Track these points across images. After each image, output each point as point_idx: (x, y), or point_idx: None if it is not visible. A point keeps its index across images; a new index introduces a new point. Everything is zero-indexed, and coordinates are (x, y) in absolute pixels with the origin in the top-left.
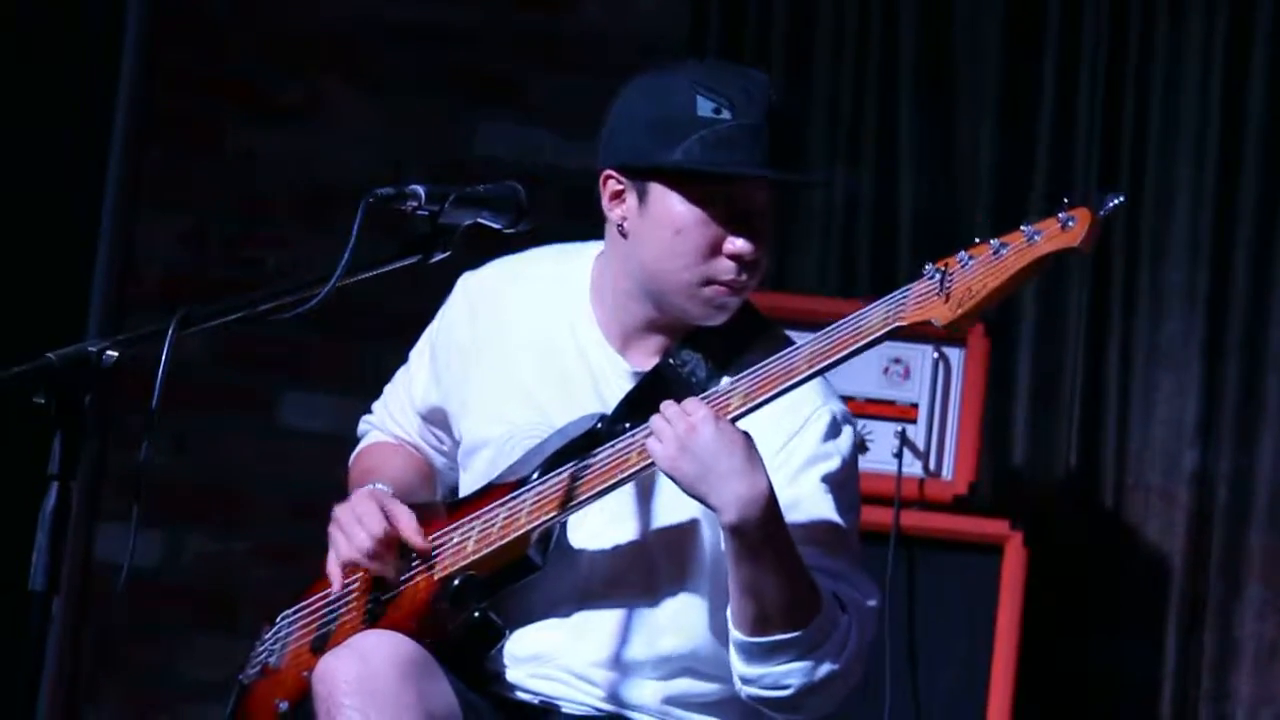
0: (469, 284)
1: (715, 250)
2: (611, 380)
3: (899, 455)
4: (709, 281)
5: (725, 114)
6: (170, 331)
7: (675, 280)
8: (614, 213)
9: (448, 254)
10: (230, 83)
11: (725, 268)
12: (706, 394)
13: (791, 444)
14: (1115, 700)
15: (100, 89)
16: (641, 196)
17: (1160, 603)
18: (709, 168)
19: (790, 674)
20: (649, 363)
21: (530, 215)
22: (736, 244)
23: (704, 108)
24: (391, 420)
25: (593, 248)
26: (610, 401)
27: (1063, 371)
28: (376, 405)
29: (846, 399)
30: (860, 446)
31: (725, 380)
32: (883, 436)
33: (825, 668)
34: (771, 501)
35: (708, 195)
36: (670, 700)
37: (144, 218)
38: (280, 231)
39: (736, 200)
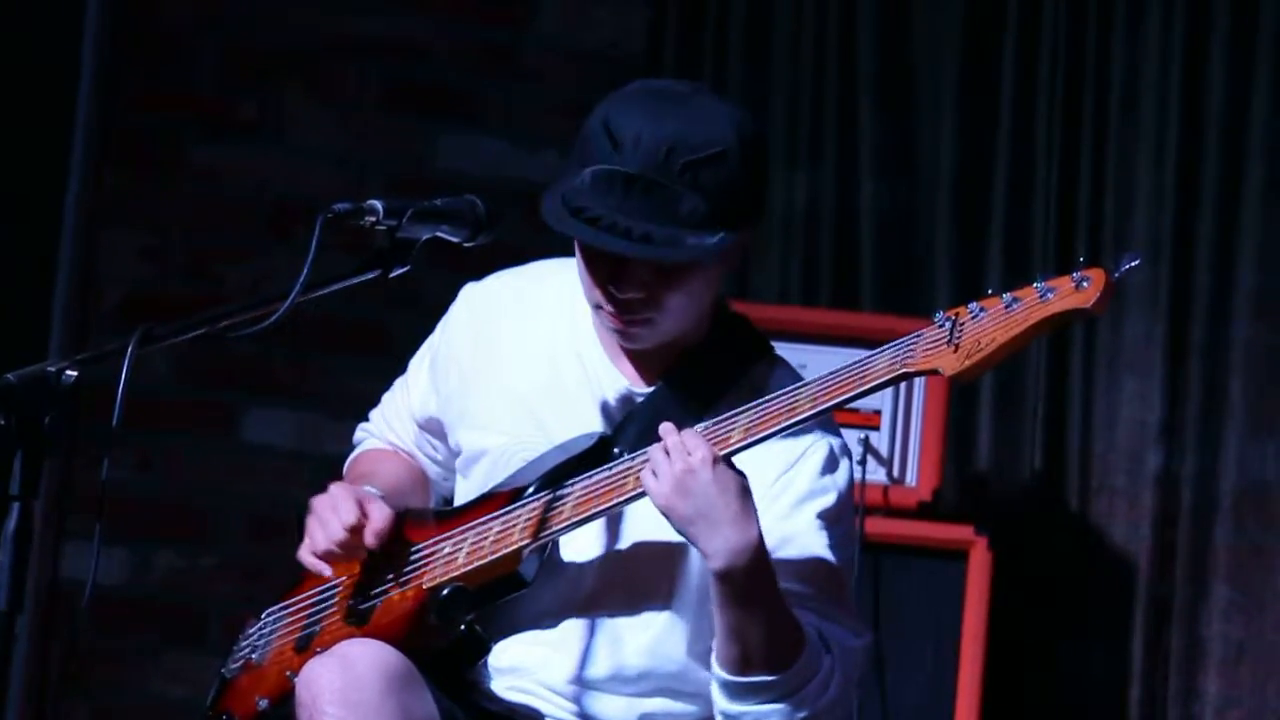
0: (471, 294)
1: (600, 282)
2: (612, 396)
3: (863, 462)
4: (599, 307)
5: (609, 156)
6: (130, 349)
7: (584, 297)
8: None
9: (407, 268)
10: (190, 98)
11: (605, 298)
12: (708, 424)
13: (788, 476)
14: (1083, 703)
15: (59, 105)
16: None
17: (1126, 605)
18: (548, 218)
19: (770, 714)
20: (648, 380)
21: (490, 228)
22: (610, 287)
23: (599, 147)
24: (388, 428)
25: None
26: (610, 417)
27: (1025, 375)
28: (374, 413)
29: None
30: None
31: (723, 407)
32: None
33: (805, 710)
34: (760, 550)
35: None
36: (645, 718)
37: (104, 235)
38: (241, 247)
39: (605, 253)
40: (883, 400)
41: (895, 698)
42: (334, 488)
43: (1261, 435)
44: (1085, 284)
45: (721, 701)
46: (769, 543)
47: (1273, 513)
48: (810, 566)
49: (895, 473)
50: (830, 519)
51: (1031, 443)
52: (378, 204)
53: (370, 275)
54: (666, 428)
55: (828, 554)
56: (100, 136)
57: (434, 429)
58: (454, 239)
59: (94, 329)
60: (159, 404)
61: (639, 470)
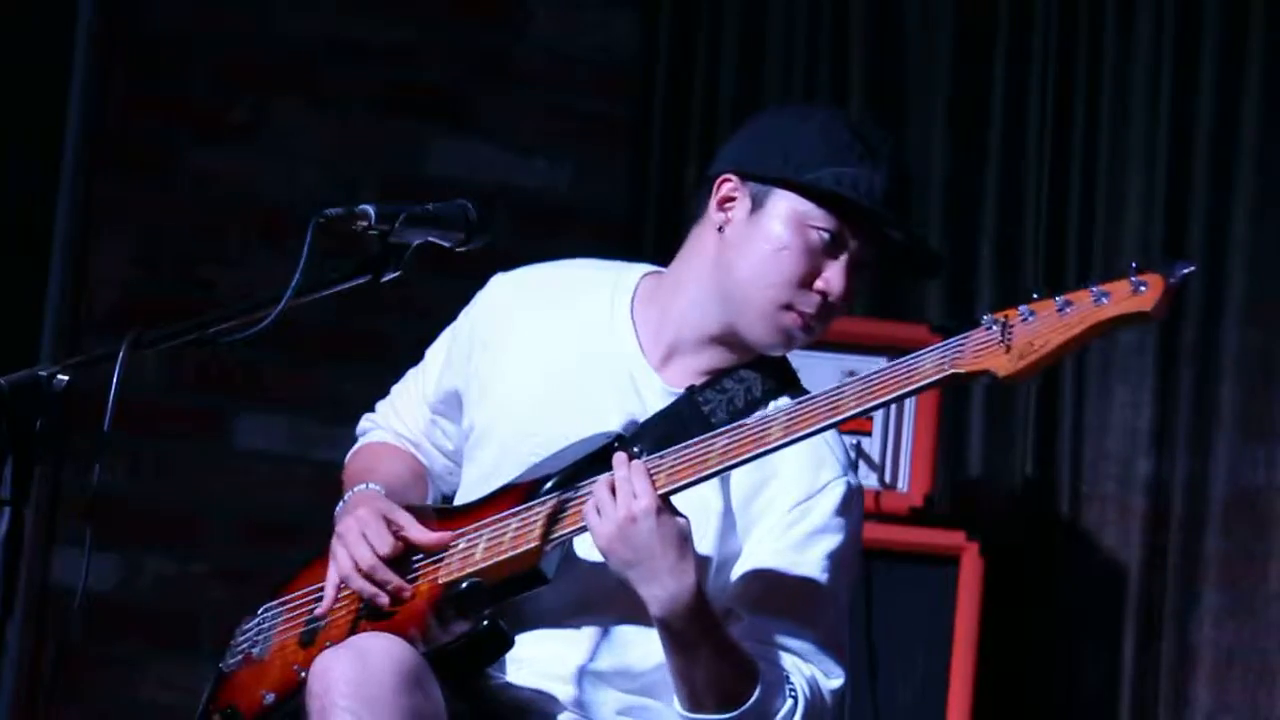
0: (501, 281)
1: (808, 280)
2: (639, 394)
3: (854, 467)
4: (789, 307)
5: (865, 159)
6: (121, 354)
7: (759, 295)
8: (719, 215)
9: (398, 273)
10: (181, 103)
11: (810, 300)
12: (686, 448)
13: (805, 505)
14: (1074, 709)
15: (51, 108)
16: (756, 204)
17: (1117, 611)
18: (848, 194)
19: None
20: (684, 382)
21: (482, 233)
22: (829, 281)
23: (851, 146)
24: (396, 417)
25: (639, 267)
26: (634, 413)
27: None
28: (381, 404)
29: None
30: None
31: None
32: None
33: None
34: (698, 596)
35: (823, 225)
36: (640, 710)
37: (96, 240)
38: (233, 252)
39: (845, 242)
40: None
41: (887, 703)
42: (354, 500)
43: (1252, 441)
44: (1143, 289)
45: None
46: (774, 567)
47: (1263, 519)
48: (799, 602)
49: (887, 478)
50: (835, 559)
51: (1023, 449)
52: (370, 209)
53: (362, 280)
54: (619, 459)
55: (825, 592)
56: (92, 141)
57: (449, 408)
58: (446, 244)
59: (86, 333)
60: (150, 409)
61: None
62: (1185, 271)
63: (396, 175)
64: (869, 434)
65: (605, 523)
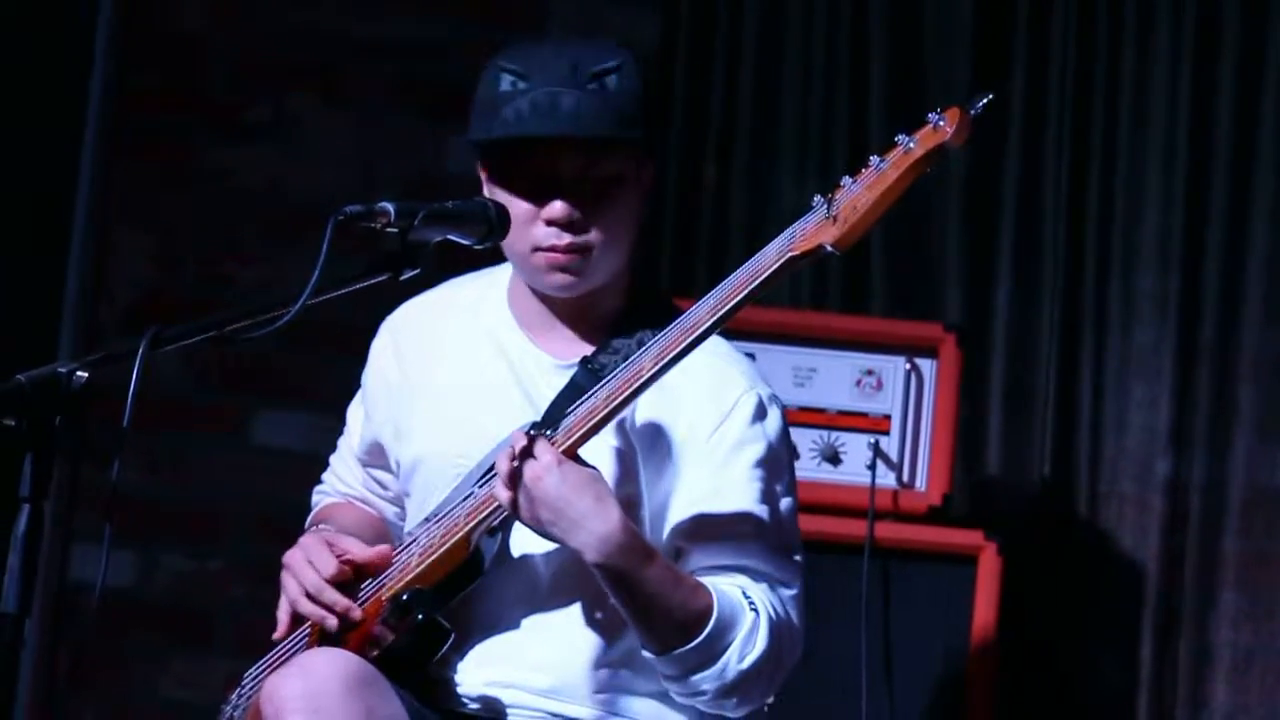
0: (391, 322)
1: (534, 218)
2: (538, 377)
3: (872, 467)
4: (535, 249)
5: (520, 85)
6: (140, 351)
7: (515, 254)
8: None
9: (418, 271)
10: (200, 100)
11: (545, 233)
12: (575, 409)
13: (721, 428)
14: (1091, 709)
15: (71, 105)
16: (483, 181)
17: (1135, 611)
18: (481, 136)
19: (701, 680)
20: (573, 351)
21: (502, 231)
22: (549, 209)
23: (504, 83)
24: (338, 480)
25: (509, 264)
26: (538, 399)
27: (1035, 380)
28: (325, 475)
29: (818, 411)
30: (834, 459)
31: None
32: (856, 448)
33: (736, 668)
34: (627, 531)
35: (510, 169)
36: (612, 691)
37: (115, 236)
38: (252, 250)
39: (539, 169)
40: (892, 405)
41: (904, 703)
42: (303, 540)
43: (1270, 442)
44: (941, 123)
45: (664, 681)
46: (704, 492)
47: None
48: (738, 521)
49: (905, 477)
50: (763, 467)
51: (1041, 448)
52: (389, 206)
53: (381, 278)
54: (515, 435)
55: (757, 505)
56: (112, 137)
57: (376, 458)
58: (465, 242)
59: (104, 330)
60: (169, 406)
61: (591, 405)
62: (983, 101)
63: (416, 173)
64: (887, 433)
65: (517, 492)
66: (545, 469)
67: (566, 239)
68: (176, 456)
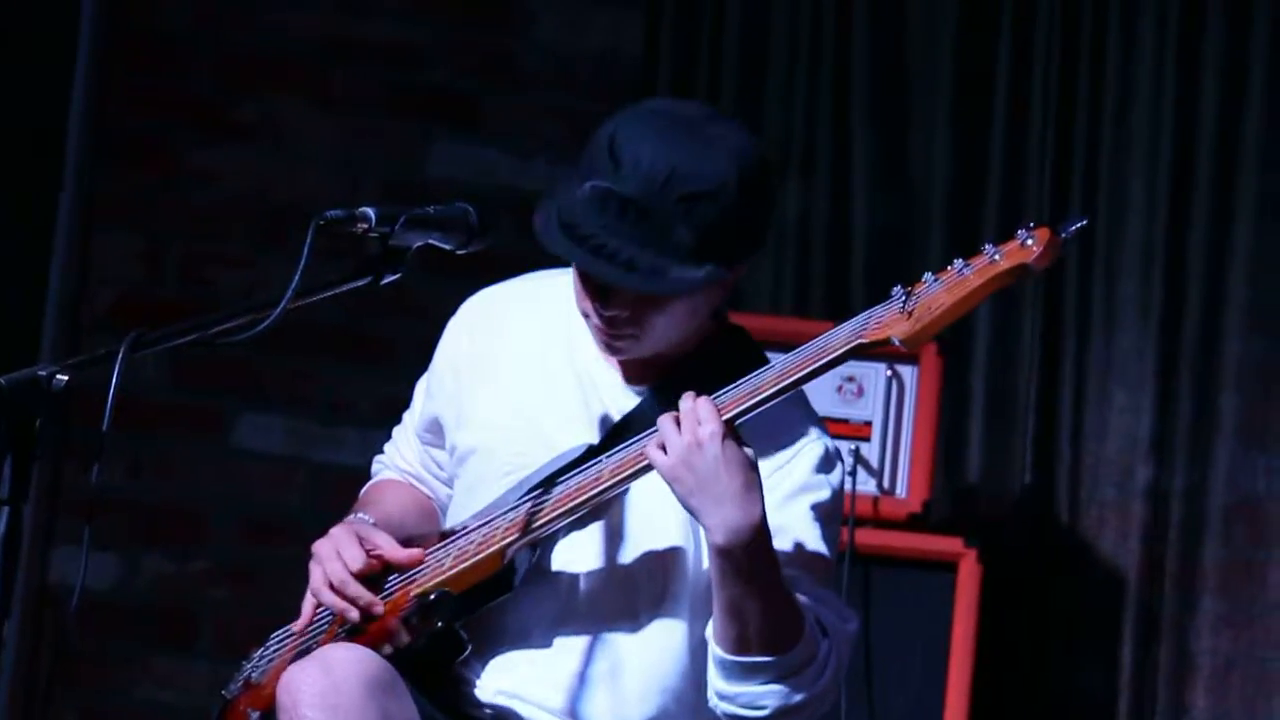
0: (470, 305)
1: (583, 293)
2: (605, 394)
3: (853, 473)
4: (587, 316)
5: (600, 186)
6: (121, 354)
7: (579, 309)
8: None
9: (398, 275)
10: (184, 102)
11: (593, 308)
12: (720, 395)
13: (784, 470)
14: (1071, 715)
15: (54, 105)
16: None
17: (1115, 618)
18: (540, 231)
19: (767, 695)
20: (643, 377)
21: (483, 236)
22: (594, 302)
23: (599, 160)
24: (398, 454)
25: None
26: (600, 414)
27: (1016, 387)
28: (387, 445)
29: None
30: None
31: None
32: None
33: (802, 694)
34: (762, 530)
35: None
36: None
37: (98, 238)
38: (235, 252)
39: (581, 270)
40: (873, 411)
41: (883, 709)
42: (334, 530)
43: (1252, 450)
44: (1030, 241)
45: (718, 681)
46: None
47: (1262, 527)
48: (804, 555)
49: (885, 484)
50: (824, 513)
51: (1022, 455)
52: (370, 211)
53: (362, 282)
54: (687, 395)
55: (821, 546)
56: (94, 139)
57: (435, 437)
58: (446, 246)
59: (86, 333)
60: (150, 408)
61: (641, 452)
62: (1077, 225)
63: (398, 176)
64: (868, 439)
65: (672, 452)
66: (709, 437)
67: (611, 330)
68: (158, 459)
